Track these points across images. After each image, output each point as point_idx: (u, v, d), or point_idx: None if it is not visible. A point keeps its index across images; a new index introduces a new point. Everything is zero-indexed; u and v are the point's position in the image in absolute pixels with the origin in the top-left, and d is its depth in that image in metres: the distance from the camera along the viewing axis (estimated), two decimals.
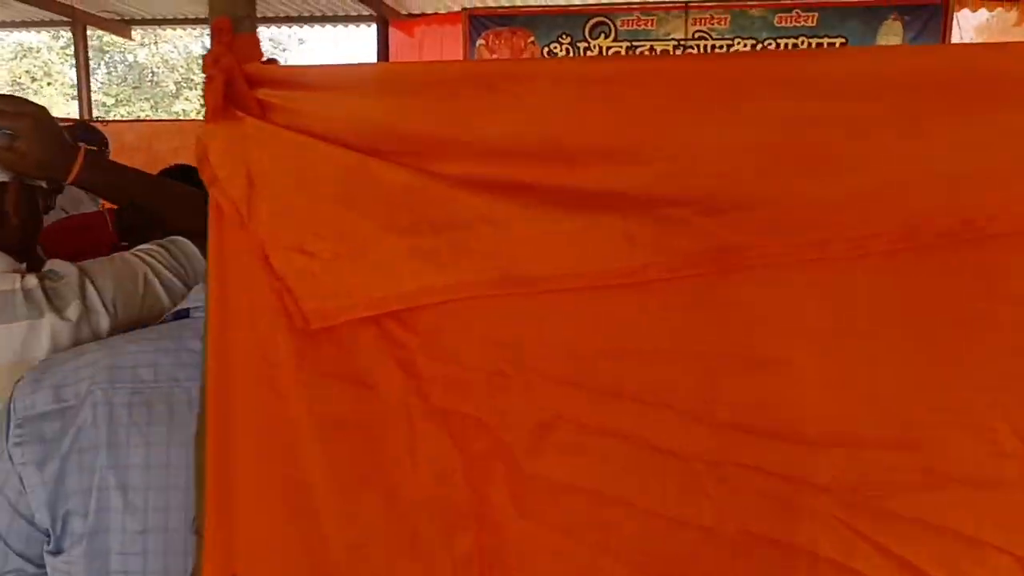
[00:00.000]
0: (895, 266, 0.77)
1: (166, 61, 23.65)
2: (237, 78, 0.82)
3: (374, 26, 9.33)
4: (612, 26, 8.44)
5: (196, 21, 10.21)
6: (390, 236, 0.83)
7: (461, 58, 8.89)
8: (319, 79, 0.85)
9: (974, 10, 7.58)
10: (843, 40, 7.85)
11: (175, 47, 23.24)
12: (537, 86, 0.81)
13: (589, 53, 8.54)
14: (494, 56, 8.87)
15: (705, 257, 0.77)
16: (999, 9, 7.56)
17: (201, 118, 0.85)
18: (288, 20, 9.89)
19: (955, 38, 7.60)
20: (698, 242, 0.78)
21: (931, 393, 0.79)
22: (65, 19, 9.75)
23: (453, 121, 0.83)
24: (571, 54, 8.60)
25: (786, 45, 7.99)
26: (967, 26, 7.61)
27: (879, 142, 0.76)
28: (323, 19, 9.70)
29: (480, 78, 0.84)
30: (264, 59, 0.88)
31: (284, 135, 0.83)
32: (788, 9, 7.94)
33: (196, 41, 24.04)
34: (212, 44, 0.83)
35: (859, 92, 0.77)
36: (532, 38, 8.72)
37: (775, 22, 7.99)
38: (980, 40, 7.60)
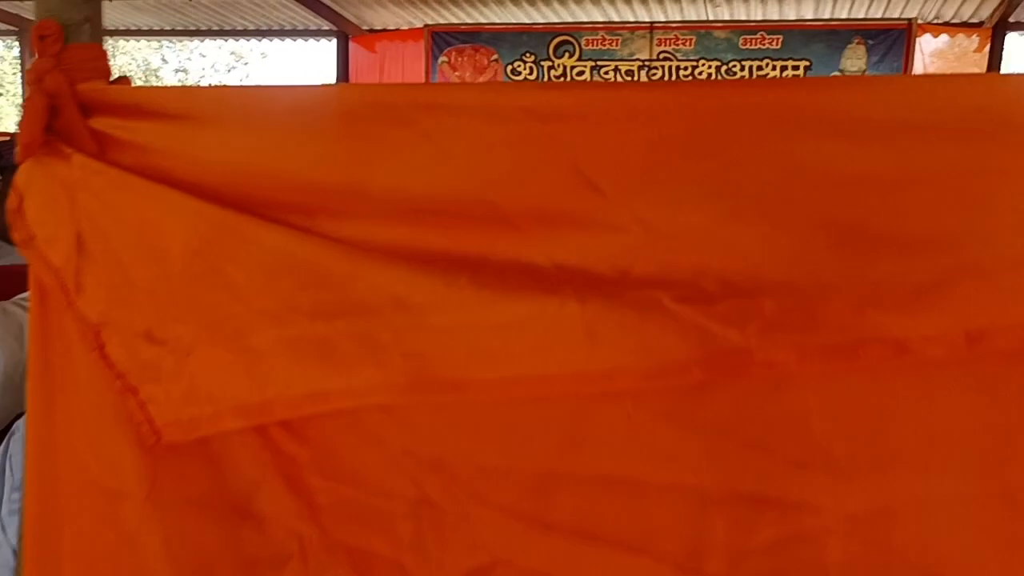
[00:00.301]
0: (956, 379, 0.58)
1: (124, 73, 23.07)
2: (67, 102, 0.61)
3: (335, 40, 9.11)
4: (577, 45, 8.30)
5: (153, 32, 9.90)
6: (269, 322, 0.60)
7: (424, 75, 8.71)
8: (179, 104, 0.64)
9: (935, 35, 7.58)
10: (807, 63, 7.80)
11: (133, 58, 22.70)
12: (465, 122, 0.61)
13: (553, 72, 8.40)
14: (456, 74, 8.69)
15: (691, 361, 0.57)
16: (959, 35, 7.57)
17: None
18: (246, 33, 9.63)
19: (917, 63, 7.60)
20: (681, 340, 0.58)
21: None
22: (12, 28, 9.38)
23: (353, 166, 0.63)
24: (535, 73, 8.46)
25: (751, 68, 7.92)
26: (928, 51, 7.61)
27: (940, 203, 0.57)
28: (283, 33, 9.44)
29: (388, 109, 0.63)
30: (114, 78, 0.66)
31: (127, 181, 0.61)
32: (753, 31, 7.88)
33: (155, 53, 23.57)
34: (35, 55, 0.62)
35: (914, 129, 0.58)
36: (495, 56, 8.56)
37: (740, 44, 7.92)
38: (939, 65, 7.61)
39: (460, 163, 0.62)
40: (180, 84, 24.26)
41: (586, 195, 0.61)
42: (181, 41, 11.13)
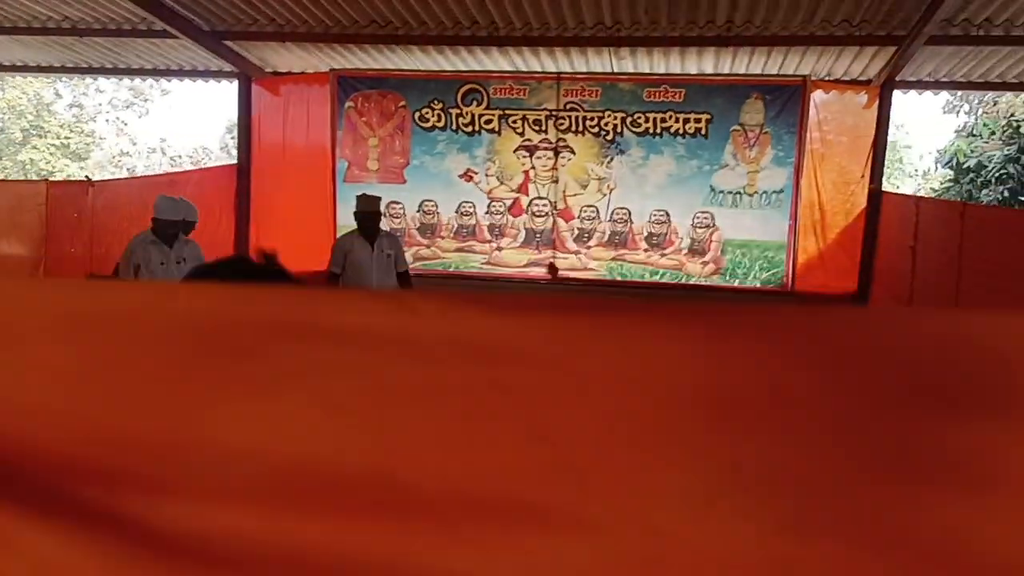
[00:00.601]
0: None
1: (13, 107, 22.06)
2: None
3: (236, 82, 8.88)
4: (485, 93, 8.33)
5: (43, 69, 9.45)
6: None
7: (329, 119, 8.56)
8: None
9: (827, 92, 7.92)
10: (708, 116, 8.02)
11: (24, 92, 21.73)
12: (360, 357, 0.44)
13: (462, 120, 8.39)
14: (363, 119, 8.58)
15: None
16: (849, 92, 7.93)
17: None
18: (143, 72, 9.29)
19: (812, 118, 7.90)
20: None
21: None
22: None
23: (181, 414, 0.44)
24: (443, 120, 8.42)
25: (654, 119, 8.09)
26: (821, 106, 7.94)
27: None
28: (181, 73, 9.15)
29: (242, 329, 0.46)
30: None
31: None
32: (656, 84, 8.06)
33: (48, 87, 22.61)
34: None
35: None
36: (403, 102, 8.49)
37: (644, 96, 8.09)
38: (834, 119, 7.94)
39: (351, 418, 0.45)
40: (75, 120, 23.31)
41: (548, 474, 0.44)
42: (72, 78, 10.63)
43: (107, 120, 24.34)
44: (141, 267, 5.57)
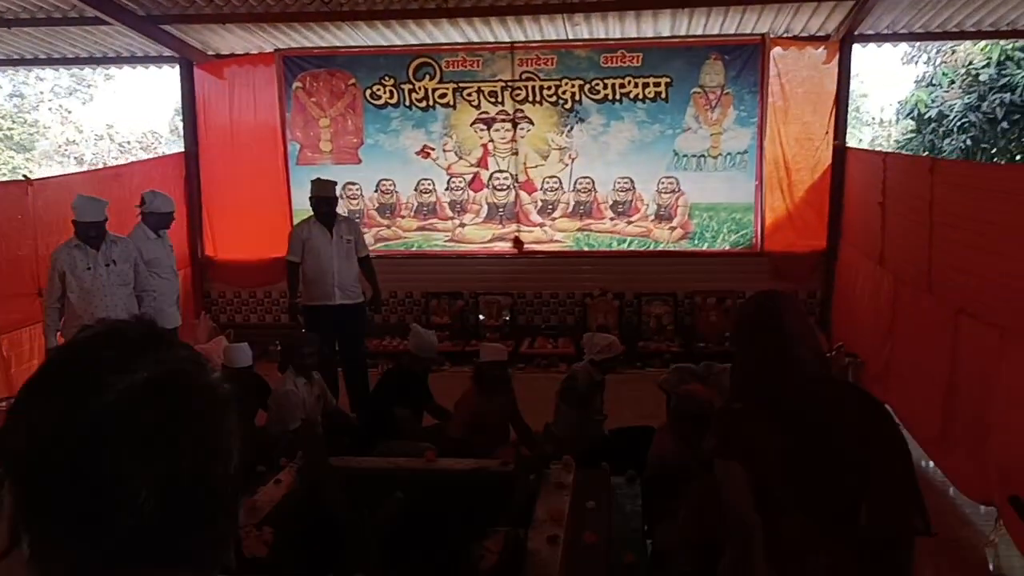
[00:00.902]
0: None
1: None
2: None
3: (177, 67, 8.49)
4: (437, 67, 8.05)
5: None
6: None
7: (277, 101, 8.24)
8: None
9: (786, 49, 7.76)
10: (668, 79, 7.83)
11: None
12: None
13: (415, 95, 8.11)
14: (312, 99, 8.26)
15: None
16: (808, 48, 7.77)
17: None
18: (79, 62, 8.85)
19: (773, 76, 7.75)
20: None
21: None
22: None
23: None
24: (395, 97, 8.14)
25: (613, 85, 7.88)
26: (783, 65, 7.78)
27: None
28: (120, 60, 8.73)
29: None
30: None
31: None
32: (613, 49, 7.85)
33: (7, 80, 21.68)
34: None
35: None
36: (353, 80, 8.19)
37: (601, 62, 7.87)
38: (795, 77, 7.79)
39: None
40: (16, 110, 22.48)
41: None
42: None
43: (50, 108, 23.48)
44: (67, 274, 5.24)
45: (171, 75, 8.60)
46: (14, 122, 22.07)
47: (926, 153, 10.68)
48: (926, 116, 10.92)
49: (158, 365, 0.73)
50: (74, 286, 5.24)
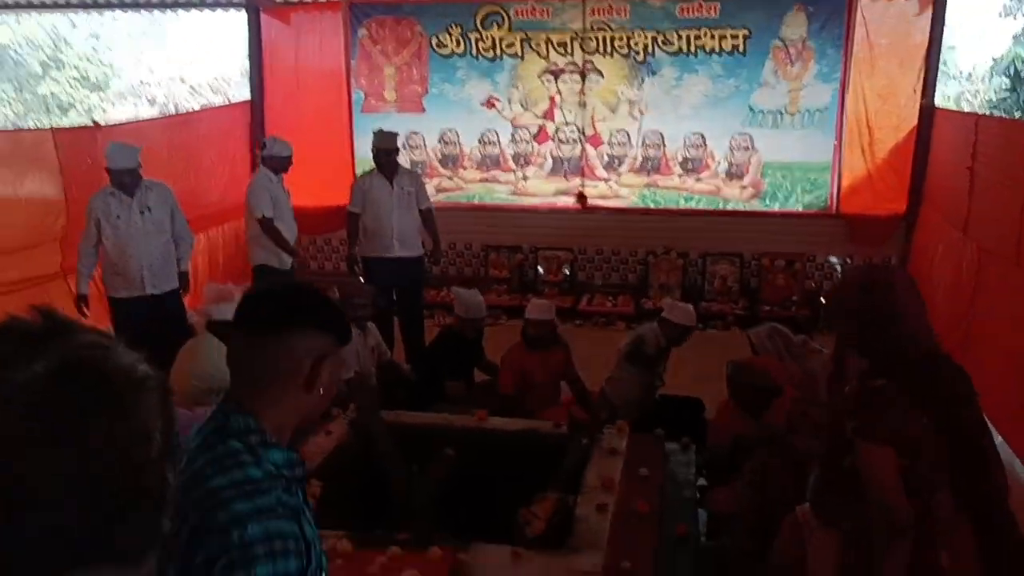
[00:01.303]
0: None
1: (30, 40, 21.68)
2: None
3: (244, 12, 8.45)
4: (505, 15, 7.83)
5: (47, 7, 9.10)
6: None
7: (343, 49, 8.15)
8: None
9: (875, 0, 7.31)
10: (746, 32, 7.47)
11: (40, 25, 21.31)
12: None
13: (481, 45, 7.92)
14: (378, 47, 8.14)
15: None
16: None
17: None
18: (149, 6, 8.90)
19: (859, 29, 7.33)
20: None
21: None
22: None
23: None
24: (462, 45, 7.96)
25: (688, 37, 7.56)
26: (871, 16, 7.34)
27: None
28: (188, 4, 8.75)
29: None
30: None
31: None
32: None
33: (63, 18, 22.15)
34: None
35: None
36: (419, 28, 8.03)
37: (676, 13, 7.54)
38: (882, 30, 7.35)
39: None
40: (92, 51, 22.95)
41: None
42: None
43: (124, 50, 23.88)
44: (102, 220, 5.20)
45: (240, 22, 8.55)
46: (90, 62, 22.55)
47: (1020, 114, 10.05)
48: (1023, 74, 10.26)
49: (59, 355, 0.67)
50: (108, 233, 5.18)
